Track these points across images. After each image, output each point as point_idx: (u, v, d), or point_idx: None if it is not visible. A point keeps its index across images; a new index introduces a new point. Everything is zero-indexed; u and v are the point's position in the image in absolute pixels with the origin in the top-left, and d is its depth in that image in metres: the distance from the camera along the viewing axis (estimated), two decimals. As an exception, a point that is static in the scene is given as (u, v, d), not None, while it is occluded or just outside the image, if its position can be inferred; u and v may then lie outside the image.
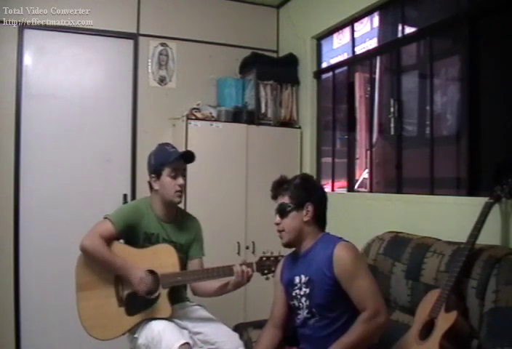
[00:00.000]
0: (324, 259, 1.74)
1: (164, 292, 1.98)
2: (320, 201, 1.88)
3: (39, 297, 3.11)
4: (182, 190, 2.14)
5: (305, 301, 1.80)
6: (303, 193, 1.85)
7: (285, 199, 1.86)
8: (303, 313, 1.81)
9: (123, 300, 2.00)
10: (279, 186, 1.91)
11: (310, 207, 1.83)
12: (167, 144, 2.20)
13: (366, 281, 1.70)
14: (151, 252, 2.04)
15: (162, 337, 1.85)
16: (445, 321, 1.63)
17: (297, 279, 1.84)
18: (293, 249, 1.93)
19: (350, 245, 1.78)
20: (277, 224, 1.86)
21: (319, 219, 1.88)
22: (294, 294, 1.84)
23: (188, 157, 2.17)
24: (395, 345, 1.82)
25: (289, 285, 1.88)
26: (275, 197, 1.91)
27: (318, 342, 1.77)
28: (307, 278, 1.80)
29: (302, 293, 1.81)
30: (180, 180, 2.10)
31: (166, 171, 2.09)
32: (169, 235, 2.12)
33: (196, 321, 2.08)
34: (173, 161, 2.09)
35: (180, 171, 2.12)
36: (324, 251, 1.76)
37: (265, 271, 2.00)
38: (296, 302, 1.84)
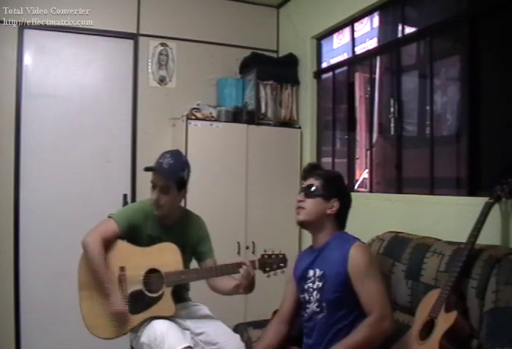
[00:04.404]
0: (340, 256, 1.77)
1: (167, 291, 1.99)
2: (346, 202, 1.92)
3: (39, 297, 3.10)
4: (161, 206, 2.03)
5: (316, 294, 1.82)
6: (334, 188, 1.88)
7: (316, 182, 1.87)
8: (312, 307, 1.82)
9: (126, 299, 1.99)
10: (315, 169, 1.95)
11: (336, 203, 1.86)
12: (168, 152, 2.09)
13: (377, 284, 1.72)
14: (155, 250, 2.05)
15: (165, 338, 1.85)
16: (445, 321, 1.63)
17: (311, 272, 1.86)
18: (302, 246, 1.95)
19: (366, 246, 1.83)
20: (300, 201, 1.87)
21: (340, 218, 1.91)
22: (306, 287, 1.86)
23: (151, 170, 2.04)
24: (395, 345, 1.82)
25: (301, 278, 1.89)
26: (306, 177, 1.93)
27: (322, 338, 1.78)
28: (321, 272, 1.82)
29: (314, 287, 1.83)
30: (154, 195, 2.03)
31: (151, 181, 2.07)
32: (172, 238, 2.09)
33: (198, 321, 2.08)
34: (147, 171, 2.04)
35: (156, 186, 2.03)
36: (341, 248, 1.79)
37: (267, 269, 2.02)
38: (307, 296, 1.85)
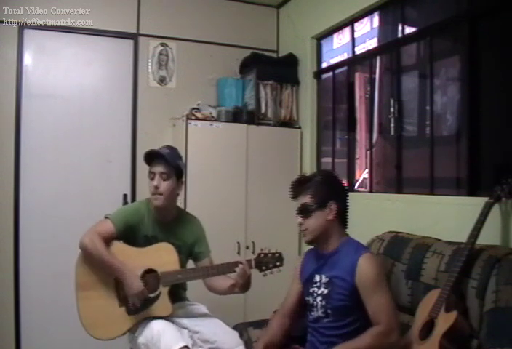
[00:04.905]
0: (348, 265, 1.75)
1: (164, 291, 1.99)
2: (343, 199, 1.87)
3: (39, 297, 3.10)
4: (161, 193, 2.06)
5: (321, 301, 1.81)
6: (326, 191, 1.83)
7: (307, 199, 1.82)
8: (318, 312, 1.82)
9: (123, 299, 2.00)
10: (300, 185, 1.87)
11: (333, 206, 1.81)
12: (164, 146, 2.17)
13: (385, 297, 1.72)
14: (151, 251, 2.05)
15: (161, 337, 1.85)
16: (445, 321, 1.63)
17: (317, 277, 1.85)
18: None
19: (375, 258, 1.81)
20: (300, 224, 1.85)
21: (342, 218, 1.87)
22: (311, 290, 1.85)
23: (152, 156, 2.10)
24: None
25: (307, 281, 1.89)
26: (295, 197, 1.87)
27: (326, 338, 1.79)
28: (327, 279, 1.81)
29: (319, 292, 1.82)
30: (154, 182, 2.06)
31: (148, 173, 2.11)
32: (168, 238, 2.11)
33: (196, 320, 2.09)
34: (145, 162, 2.11)
35: (155, 174, 2.07)
36: (349, 258, 1.77)
37: (263, 268, 2.02)
38: (311, 299, 1.85)
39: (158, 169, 2.07)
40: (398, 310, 2.05)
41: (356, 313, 1.75)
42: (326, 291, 1.80)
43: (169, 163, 2.07)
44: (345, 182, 1.93)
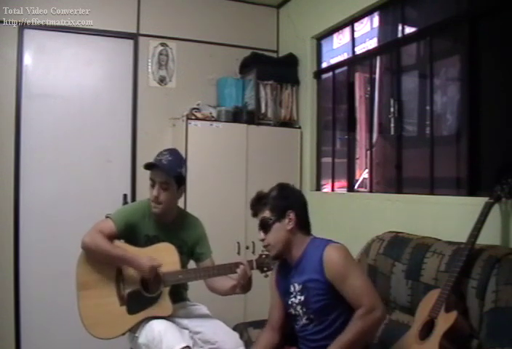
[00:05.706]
0: (315, 265, 1.74)
1: (165, 291, 1.99)
2: (300, 206, 1.87)
3: (39, 297, 3.10)
4: (160, 202, 2.04)
5: (301, 308, 1.80)
6: (282, 203, 1.83)
7: (265, 213, 1.83)
8: (302, 320, 1.81)
9: (124, 299, 2.00)
10: (258, 202, 1.89)
11: (291, 214, 1.81)
12: (166, 150, 2.12)
13: (359, 279, 1.70)
14: (152, 251, 2.04)
15: (163, 338, 1.85)
16: (445, 321, 1.63)
17: (291, 288, 1.83)
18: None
19: (338, 246, 1.77)
20: (262, 240, 1.85)
21: (303, 225, 1.86)
22: (290, 302, 1.84)
23: (151, 166, 2.06)
24: (395, 345, 1.83)
25: (285, 294, 1.87)
26: (255, 214, 1.89)
27: (316, 343, 1.77)
28: (300, 286, 1.80)
29: (296, 301, 1.80)
30: (154, 191, 2.04)
31: (149, 178, 2.09)
32: (169, 238, 2.11)
33: (197, 321, 2.08)
34: (146, 168, 2.07)
35: (155, 182, 2.05)
36: (314, 257, 1.75)
37: (265, 268, 2.02)
38: (292, 310, 1.83)
39: (158, 178, 2.05)
40: (399, 310, 2.06)
41: (337, 307, 1.74)
42: (302, 298, 1.78)
43: (170, 174, 2.05)
44: (301, 192, 1.96)
